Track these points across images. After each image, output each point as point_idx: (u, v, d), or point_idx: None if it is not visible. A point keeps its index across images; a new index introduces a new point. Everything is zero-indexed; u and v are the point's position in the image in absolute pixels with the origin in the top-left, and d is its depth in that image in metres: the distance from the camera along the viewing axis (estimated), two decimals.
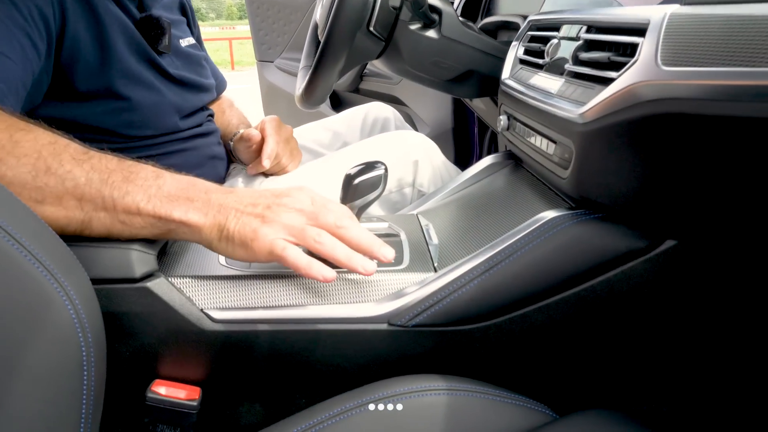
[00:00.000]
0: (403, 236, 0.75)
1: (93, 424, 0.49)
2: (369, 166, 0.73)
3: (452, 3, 1.34)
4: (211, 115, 1.09)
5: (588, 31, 0.67)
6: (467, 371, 0.63)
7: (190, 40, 1.08)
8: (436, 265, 0.67)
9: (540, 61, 0.77)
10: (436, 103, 1.76)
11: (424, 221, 0.80)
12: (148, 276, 0.61)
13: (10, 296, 0.43)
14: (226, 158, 1.10)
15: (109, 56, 0.84)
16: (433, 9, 0.97)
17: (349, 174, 0.72)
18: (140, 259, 0.60)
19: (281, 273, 0.64)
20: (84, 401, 0.47)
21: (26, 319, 0.44)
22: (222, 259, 0.67)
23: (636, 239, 0.61)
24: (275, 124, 1.03)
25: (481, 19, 1.27)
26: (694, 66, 0.47)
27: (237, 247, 0.59)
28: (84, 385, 0.47)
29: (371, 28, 0.94)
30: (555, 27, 0.77)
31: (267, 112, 2.36)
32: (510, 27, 1.13)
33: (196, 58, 1.06)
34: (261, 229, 0.58)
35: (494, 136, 1.61)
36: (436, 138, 1.73)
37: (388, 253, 0.62)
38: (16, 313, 0.43)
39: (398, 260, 0.68)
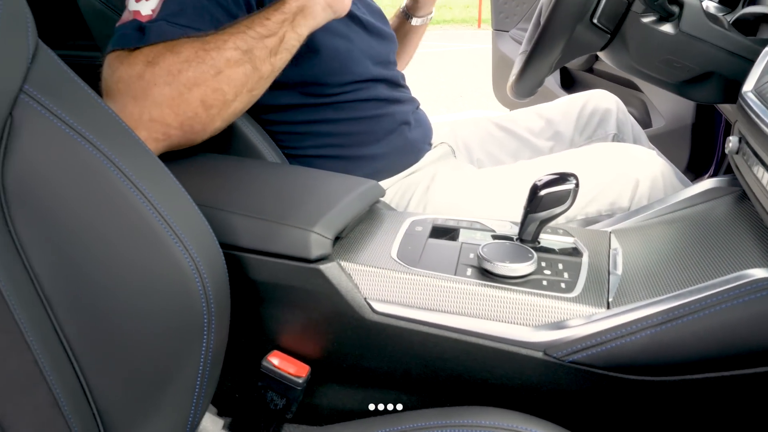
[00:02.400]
0: (584, 258, 0.69)
1: (209, 380, 0.56)
2: (560, 179, 0.69)
3: None
4: (404, 86, 1.10)
5: None
6: (615, 424, 0.58)
7: None
8: (610, 300, 0.61)
9: None
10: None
11: (615, 243, 0.73)
12: (323, 258, 0.66)
13: (150, 266, 0.52)
14: (424, 126, 1.11)
15: None
16: (673, 0, 0.85)
17: (537, 184, 0.69)
18: (317, 242, 0.65)
19: (445, 278, 0.64)
20: (202, 360, 0.54)
21: (160, 286, 0.52)
22: (394, 252, 0.69)
23: None
24: None
25: (742, 7, 1.08)
26: None
27: None
28: (203, 346, 0.54)
29: (595, 20, 0.86)
30: None
31: (496, 83, 2.32)
32: None
33: (376, 7, 1.10)
34: None
35: None
36: (671, 134, 1.56)
37: None
38: (152, 280, 0.51)
39: (570, 286, 0.64)
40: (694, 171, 1.55)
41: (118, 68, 0.74)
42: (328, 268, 0.65)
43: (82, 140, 0.52)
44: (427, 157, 1.06)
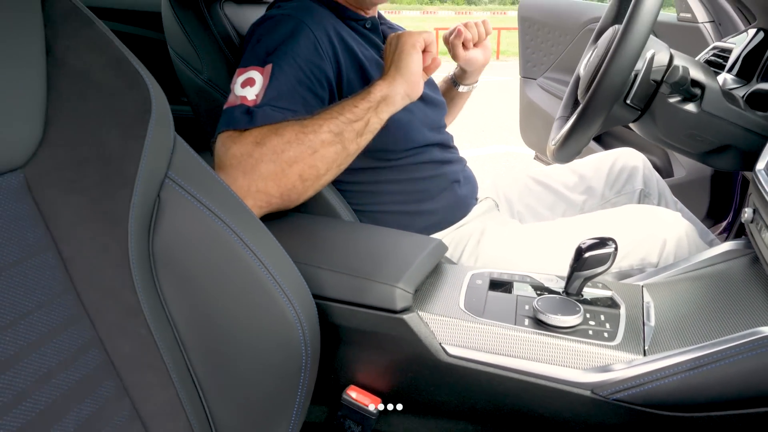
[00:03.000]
0: (622, 310, 0.82)
1: (302, 411, 0.70)
2: (601, 243, 0.81)
3: (727, 60, 1.31)
4: (454, 147, 1.25)
5: None
6: None
7: None
8: (646, 348, 0.74)
9: None
10: None
11: (647, 297, 0.86)
12: (405, 310, 0.79)
13: (263, 318, 0.66)
14: (472, 183, 1.25)
15: None
16: (696, 83, 0.99)
17: (581, 247, 0.82)
18: (402, 296, 0.79)
19: (507, 327, 0.78)
20: (298, 395, 0.69)
21: (271, 335, 0.66)
22: (461, 303, 0.83)
23: None
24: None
25: (757, 81, 1.21)
26: None
27: (403, 61, 0.94)
28: (300, 383, 0.69)
29: (628, 101, 1.00)
30: None
31: (523, 127, 2.47)
32: None
33: (430, 79, 1.24)
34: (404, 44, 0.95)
35: None
36: (692, 183, 1.68)
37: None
38: (265, 330, 0.66)
39: (611, 335, 0.77)
40: (713, 218, 1.67)
41: (231, 147, 0.89)
42: (410, 318, 0.79)
43: (210, 214, 0.66)
44: (475, 211, 1.20)
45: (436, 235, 1.14)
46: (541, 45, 2.36)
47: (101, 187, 0.60)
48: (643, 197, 1.37)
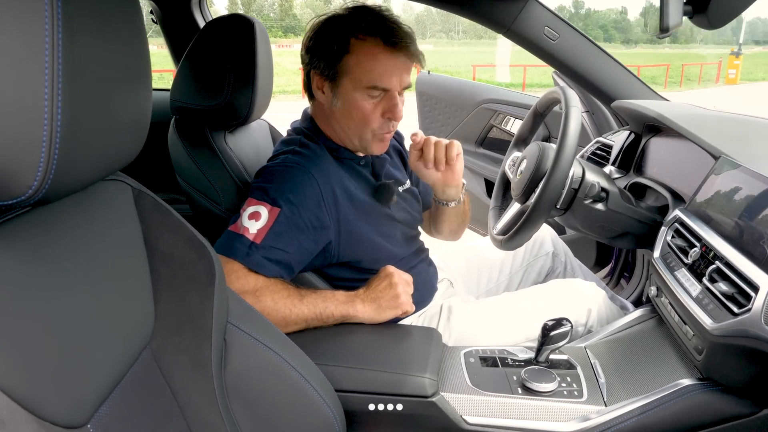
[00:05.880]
0: (579, 370, 1.13)
1: None
2: (559, 323, 1.11)
3: (609, 153, 1.70)
4: (422, 249, 1.51)
5: (720, 260, 1.01)
6: None
7: (407, 183, 1.51)
8: (606, 400, 1.05)
9: (684, 258, 1.12)
10: None
11: (592, 357, 1.18)
12: (434, 394, 1.04)
13: (309, 416, 0.87)
14: (435, 269, 1.52)
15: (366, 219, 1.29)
16: (603, 189, 1.35)
17: (547, 325, 1.11)
18: (431, 384, 1.03)
19: (506, 396, 1.05)
20: None
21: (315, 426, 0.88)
22: (468, 380, 1.09)
23: (744, 407, 0.96)
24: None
25: (634, 173, 1.61)
26: None
27: (386, 310, 1.17)
28: None
29: (558, 205, 1.33)
30: (697, 237, 1.11)
31: None
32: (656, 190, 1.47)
33: (412, 196, 1.49)
34: (399, 299, 1.18)
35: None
36: (582, 239, 2.08)
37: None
38: (310, 424, 0.87)
39: (579, 393, 1.06)
40: (600, 264, 2.08)
41: (233, 281, 1.09)
42: (438, 400, 1.03)
43: (261, 345, 0.84)
44: (437, 293, 1.47)
45: (411, 318, 1.38)
46: (438, 117, 2.71)
47: (194, 343, 0.76)
48: (554, 257, 1.73)
